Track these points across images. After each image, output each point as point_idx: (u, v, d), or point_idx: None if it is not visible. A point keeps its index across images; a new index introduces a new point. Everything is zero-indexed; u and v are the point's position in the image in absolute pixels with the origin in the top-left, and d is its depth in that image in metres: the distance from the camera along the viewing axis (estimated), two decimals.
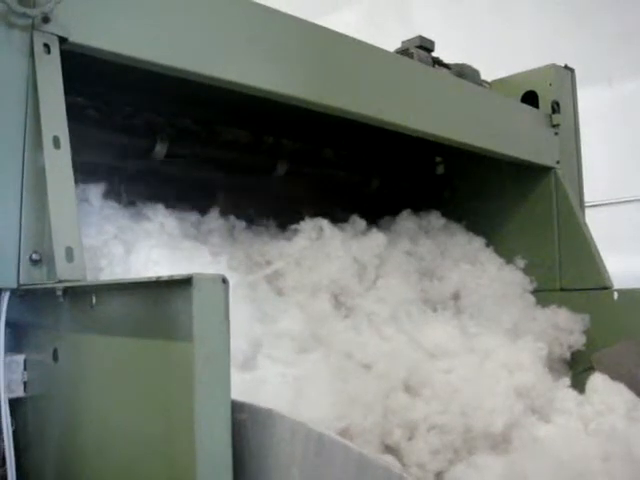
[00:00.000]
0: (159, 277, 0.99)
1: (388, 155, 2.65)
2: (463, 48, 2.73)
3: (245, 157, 2.29)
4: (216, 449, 0.92)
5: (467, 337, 1.90)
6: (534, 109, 2.50)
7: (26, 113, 1.42)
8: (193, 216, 1.96)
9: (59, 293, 1.28)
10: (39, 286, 1.35)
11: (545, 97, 2.52)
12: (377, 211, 2.48)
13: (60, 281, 1.27)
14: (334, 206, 2.40)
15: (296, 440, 0.90)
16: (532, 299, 2.37)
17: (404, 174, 2.70)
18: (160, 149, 2.03)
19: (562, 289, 2.41)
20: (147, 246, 1.48)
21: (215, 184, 2.31)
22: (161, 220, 1.78)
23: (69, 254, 1.28)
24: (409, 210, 2.49)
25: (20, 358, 1.47)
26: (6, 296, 1.42)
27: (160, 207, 1.79)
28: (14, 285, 1.39)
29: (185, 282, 0.93)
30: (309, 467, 0.89)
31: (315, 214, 2.17)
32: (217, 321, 0.93)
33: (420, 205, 2.60)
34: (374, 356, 1.74)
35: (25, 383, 1.47)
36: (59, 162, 1.36)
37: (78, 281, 1.27)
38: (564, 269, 2.42)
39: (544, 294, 2.41)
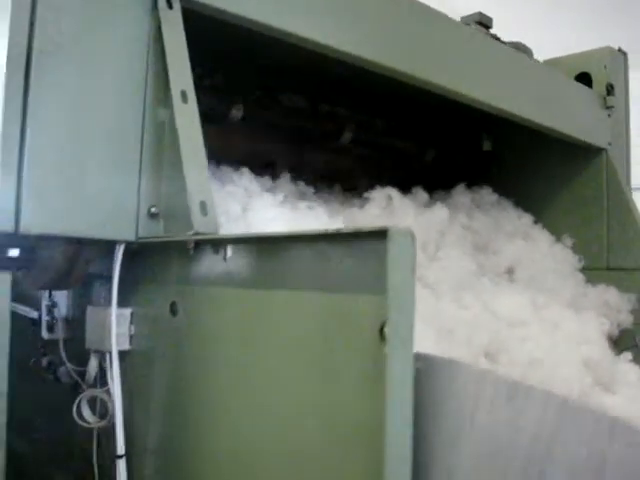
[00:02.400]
0: (338, 229, 1.01)
1: (437, 129, 2.67)
2: (509, 29, 2.72)
3: (305, 124, 2.30)
4: (402, 401, 0.95)
5: (536, 308, 1.94)
6: (589, 89, 2.54)
7: (147, 68, 1.42)
8: (267, 182, 1.96)
9: (190, 246, 1.29)
10: (165, 239, 1.35)
11: (599, 79, 2.57)
12: (429, 184, 2.50)
13: (197, 233, 1.27)
14: (388, 177, 2.41)
15: (482, 387, 0.93)
16: (581, 276, 2.43)
17: (453, 149, 2.73)
18: (236, 113, 2.04)
19: (609, 268, 2.48)
20: (263, 205, 1.49)
21: (274, 151, 2.31)
22: (246, 184, 1.79)
23: (203, 208, 1.29)
24: (463, 184, 2.53)
25: (127, 312, 1.48)
26: (121, 249, 1.42)
27: (246, 171, 1.80)
28: (132, 238, 1.39)
29: (380, 234, 0.95)
30: (498, 414, 0.92)
31: (370, 185, 2.19)
32: (408, 274, 0.95)
33: (468, 180, 2.63)
34: (455, 323, 1.77)
35: (131, 337, 1.48)
36: (188, 116, 1.36)
37: (213, 234, 1.28)
38: (612, 249, 2.48)
39: (591, 273, 2.47)
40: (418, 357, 0.98)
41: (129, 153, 1.40)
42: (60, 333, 1.66)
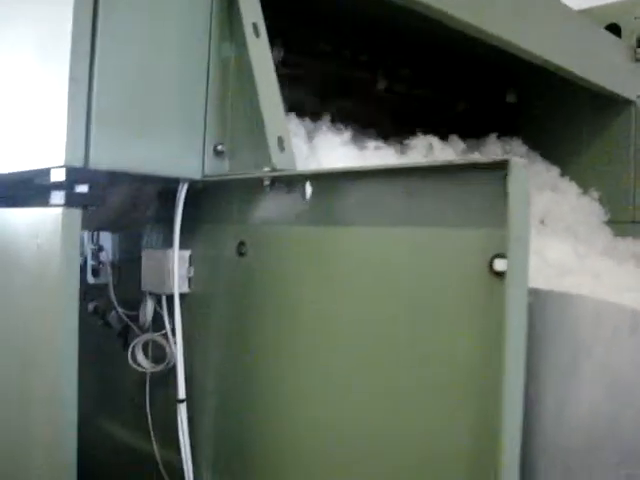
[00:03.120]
0: (450, 161, 0.98)
1: (466, 82, 2.63)
2: None
3: (340, 72, 2.24)
4: (517, 337, 0.93)
5: (579, 257, 1.94)
6: (619, 40, 2.51)
7: (212, 2, 1.35)
8: (310, 126, 1.91)
9: (266, 182, 1.25)
10: (238, 176, 1.31)
11: (629, 31, 2.53)
12: (461, 135, 2.47)
13: (274, 169, 1.23)
14: (419, 126, 2.37)
15: (601, 319, 0.92)
16: (609, 229, 2.44)
17: (480, 101, 2.69)
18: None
19: (634, 222, 2.48)
20: (330, 144, 1.45)
21: (308, 100, 2.26)
22: (293, 129, 1.74)
23: (280, 143, 1.24)
24: (494, 135, 2.50)
25: (186, 254, 1.44)
26: (184, 187, 1.38)
27: (292, 116, 1.75)
28: (198, 176, 1.35)
29: (498, 166, 0.92)
30: (619, 347, 0.91)
31: (403, 133, 2.16)
32: (525, 206, 0.92)
33: (496, 132, 2.60)
34: None
35: (190, 279, 1.44)
36: (261, 50, 1.31)
37: (291, 170, 1.24)
38: (638, 202, 2.49)
39: (616, 226, 2.47)
40: (529, 291, 0.96)
41: (195, 90, 1.34)
42: (109, 277, 1.62)
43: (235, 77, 1.35)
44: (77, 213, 1.21)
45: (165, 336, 1.49)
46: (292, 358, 1.25)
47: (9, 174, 1.36)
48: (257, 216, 1.32)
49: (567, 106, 2.65)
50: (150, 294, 1.51)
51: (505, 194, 0.93)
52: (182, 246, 1.43)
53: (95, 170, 1.21)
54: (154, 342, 1.52)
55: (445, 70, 2.57)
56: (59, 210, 1.19)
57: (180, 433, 1.43)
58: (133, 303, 1.58)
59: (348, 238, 1.16)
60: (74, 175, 1.20)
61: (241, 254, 1.34)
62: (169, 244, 1.43)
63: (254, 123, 1.28)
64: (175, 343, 1.46)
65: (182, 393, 1.43)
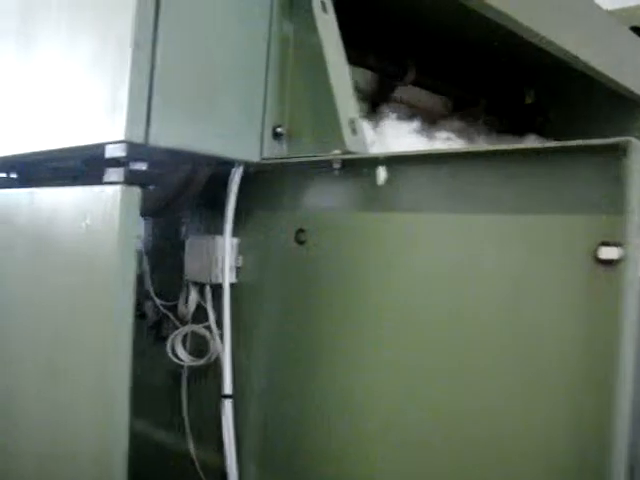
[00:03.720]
0: (563, 144, 0.93)
1: (486, 80, 2.60)
2: None
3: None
4: (630, 324, 0.88)
5: None
6: None
7: None
8: None
9: (336, 166, 1.18)
10: (303, 159, 1.24)
11: None
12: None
13: (347, 152, 1.17)
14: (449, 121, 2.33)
15: None
16: None
17: (500, 100, 2.66)
18: None
19: None
20: (398, 132, 1.38)
21: None
22: None
23: (353, 125, 1.18)
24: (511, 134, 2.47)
25: (234, 241, 1.37)
26: (239, 170, 1.31)
27: None
28: (256, 158, 1.28)
29: (612, 148, 0.88)
30: None
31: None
32: None
33: (515, 131, 2.57)
34: None
35: (238, 268, 1.37)
36: (329, 27, 1.24)
37: (366, 153, 1.18)
38: None
39: None
40: None
41: (254, 68, 1.27)
42: (145, 266, 1.53)
43: (297, 56, 1.28)
44: (137, 192, 1.13)
45: (208, 328, 1.41)
46: (359, 351, 1.19)
47: (47, 151, 1.28)
48: (320, 202, 1.26)
49: (588, 108, 2.62)
50: (194, 284, 1.43)
51: (619, 178, 0.88)
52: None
53: (154, 147, 1.13)
54: (194, 334, 1.44)
55: (466, 66, 2.54)
56: (117, 188, 1.11)
57: (225, 430, 1.35)
58: (170, 293, 1.50)
59: (428, 225, 1.10)
60: (133, 152, 1.12)
61: (300, 242, 1.28)
62: (217, 231, 1.36)
63: (321, 104, 1.22)
64: (220, 336, 1.38)
65: (228, 388, 1.35)
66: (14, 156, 1.40)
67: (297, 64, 1.29)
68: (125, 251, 1.11)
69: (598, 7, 2.26)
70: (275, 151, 1.29)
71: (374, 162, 1.15)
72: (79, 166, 1.38)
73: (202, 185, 1.32)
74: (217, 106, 1.22)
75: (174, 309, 1.48)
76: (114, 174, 1.13)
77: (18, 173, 1.54)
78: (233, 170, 1.31)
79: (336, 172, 1.19)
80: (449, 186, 1.07)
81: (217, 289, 1.39)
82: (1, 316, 1.36)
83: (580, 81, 2.34)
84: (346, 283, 1.20)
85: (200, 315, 1.44)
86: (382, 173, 1.15)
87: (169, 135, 1.15)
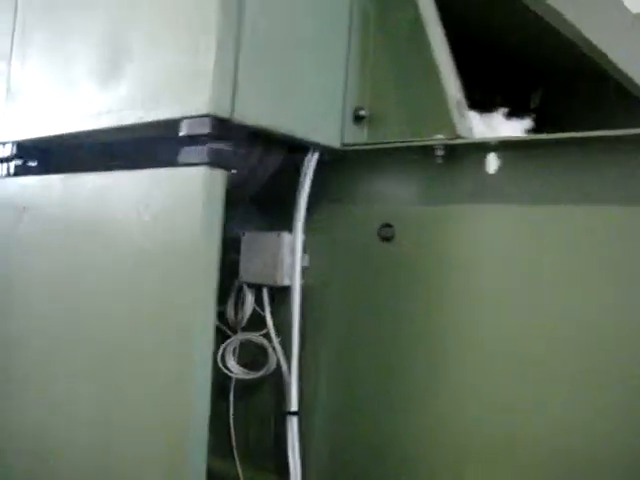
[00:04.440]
0: None
1: (499, 82, 2.53)
2: None
3: None
4: None
5: None
6: None
7: None
8: None
9: (440, 153, 1.05)
10: (398, 144, 1.10)
11: None
12: None
13: (459, 136, 1.03)
14: None
15: None
16: None
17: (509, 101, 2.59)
18: None
19: None
20: (513, 129, 1.25)
21: None
22: None
23: (460, 108, 1.05)
24: None
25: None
26: (314, 157, 1.16)
27: None
28: (337, 144, 1.14)
29: None
30: None
31: None
32: None
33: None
34: None
35: (304, 268, 1.22)
36: (428, 2, 1.11)
37: (473, 139, 1.05)
38: None
39: None
40: None
41: (335, 47, 1.14)
42: None
43: (383, 32, 1.15)
44: (223, 175, 0.97)
45: (267, 336, 1.25)
46: (461, 359, 1.05)
47: (101, 130, 1.10)
48: (414, 193, 1.12)
49: (599, 114, 2.58)
50: (249, 286, 1.26)
51: None
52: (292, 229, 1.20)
53: (238, 125, 0.98)
54: (247, 344, 1.28)
55: (476, 66, 2.46)
56: (200, 171, 0.95)
57: (290, 451, 1.19)
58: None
59: (555, 217, 0.98)
60: (216, 129, 0.96)
61: (385, 238, 1.14)
62: (280, 226, 1.20)
63: (419, 84, 1.09)
64: (281, 344, 1.23)
65: (294, 404, 1.20)
66: (49, 137, 1.22)
67: (382, 41, 1.15)
68: (208, 241, 0.95)
69: (629, 11, 2.22)
70: (356, 136, 1.15)
71: (484, 148, 1.03)
72: (118, 148, 1.21)
73: (270, 173, 1.17)
74: (299, 83, 1.08)
75: (221, 315, 1.31)
76: (194, 154, 0.96)
77: (38, 159, 1.35)
78: (307, 157, 1.16)
79: (439, 159, 1.05)
80: (581, 173, 0.96)
81: (278, 292, 1.23)
82: (58, 314, 1.17)
83: (591, 84, 2.29)
84: (446, 285, 1.07)
85: (251, 322, 1.28)
86: (493, 160, 1.03)
87: (253, 111, 1.00)
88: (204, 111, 0.94)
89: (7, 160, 1.35)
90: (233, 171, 1.00)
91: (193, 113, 0.96)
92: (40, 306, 1.21)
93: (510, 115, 1.13)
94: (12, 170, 1.33)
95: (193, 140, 0.97)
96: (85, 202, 1.12)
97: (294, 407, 1.20)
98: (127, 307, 1.04)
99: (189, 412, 0.95)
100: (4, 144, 1.35)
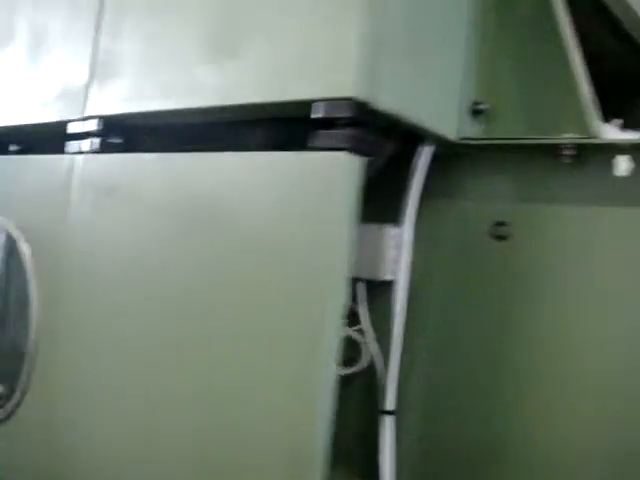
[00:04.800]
0: None
1: None
2: None
3: None
4: None
5: None
6: None
7: None
8: None
9: (568, 152, 1.02)
10: (522, 141, 1.07)
11: None
12: None
13: (592, 136, 1.01)
14: None
15: None
16: None
17: None
18: None
19: None
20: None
21: None
22: None
23: (594, 108, 1.02)
24: None
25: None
26: (430, 149, 1.13)
27: None
28: (454, 136, 1.10)
29: None
30: None
31: None
32: None
33: None
34: None
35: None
36: None
37: (605, 139, 1.02)
38: None
39: None
40: None
41: (457, 34, 1.10)
42: None
43: (508, 22, 1.12)
44: (362, 162, 0.93)
45: (361, 332, 1.21)
46: (572, 366, 1.03)
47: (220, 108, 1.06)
48: (532, 192, 1.09)
49: None
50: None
51: None
52: (397, 223, 1.17)
53: (373, 110, 0.94)
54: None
55: None
56: (340, 156, 0.91)
57: (386, 452, 1.16)
58: None
59: None
60: (357, 112, 0.92)
61: (499, 237, 1.10)
62: (383, 219, 1.17)
63: (548, 80, 1.06)
64: (378, 340, 1.19)
65: (391, 403, 1.16)
66: (144, 113, 1.17)
67: (505, 32, 1.12)
68: (345, 233, 0.91)
69: None
70: (472, 130, 1.12)
71: (614, 150, 1.00)
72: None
73: (381, 163, 1.13)
74: (426, 72, 1.05)
75: None
76: (332, 138, 0.92)
77: (125, 137, 1.30)
78: (423, 148, 1.12)
79: (566, 159, 1.02)
80: None
81: (375, 287, 1.20)
82: (154, 307, 1.12)
83: None
84: (561, 288, 1.04)
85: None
86: (623, 163, 1.00)
87: (389, 97, 0.96)
88: (348, 94, 0.90)
89: (91, 136, 1.29)
90: (369, 158, 0.96)
91: (333, 95, 0.92)
92: (131, 299, 1.15)
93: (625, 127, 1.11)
94: (96, 147, 1.28)
95: (324, 124, 0.93)
96: (196, 185, 1.06)
97: (390, 406, 1.16)
98: (242, 299, 0.99)
99: (312, 416, 0.91)
100: (89, 119, 1.29)
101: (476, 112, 1.12)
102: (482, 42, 1.13)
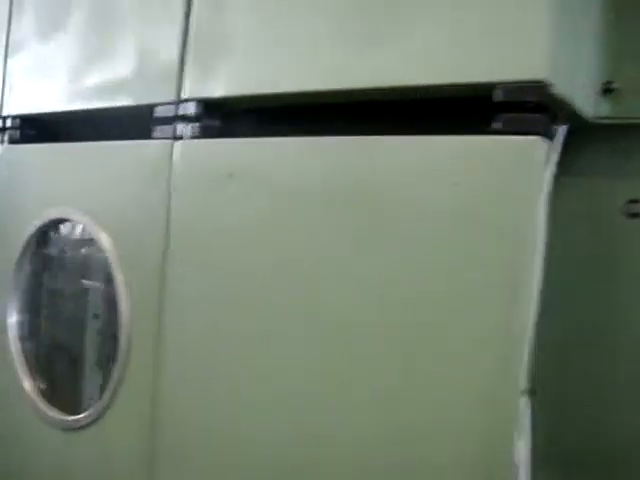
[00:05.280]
0: None
1: None
2: None
3: None
4: None
5: None
6: None
7: None
8: None
9: None
10: None
11: None
12: None
13: None
14: None
15: None
16: None
17: None
18: None
19: None
20: None
21: None
22: None
23: None
24: None
25: None
26: (565, 128, 1.12)
27: None
28: (590, 115, 1.10)
29: None
30: None
31: None
32: None
33: None
34: None
35: None
36: None
37: None
38: None
39: None
40: None
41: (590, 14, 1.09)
42: None
43: None
44: (546, 147, 0.91)
45: None
46: None
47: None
48: None
49: None
50: None
51: None
52: None
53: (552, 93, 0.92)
54: None
55: None
56: (531, 141, 0.89)
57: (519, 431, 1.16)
58: None
59: None
60: (542, 96, 0.90)
61: (633, 215, 1.12)
62: None
63: None
64: None
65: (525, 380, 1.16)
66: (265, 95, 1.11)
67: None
68: (540, 220, 0.90)
69: None
70: (605, 109, 1.12)
71: None
72: None
73: None
74: (577, 50, 1.03)
75: None
76: (523, 122, 0.90)
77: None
78: (557, 127, 1.11)
79: None
80: None
81: None
82: (301, 303, 1.06)
83: None
84: None
85: None
86: None
87: (562, 78, 0.94)
88: (538, 76, 0.88)
89: (185, 120, 1.21)
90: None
91: (520, 78, 0.89)
92: (272, 296, 1.09)
93: None
94: (197, 131, 1.20)
95: (503, 106, 0.91)
96: (352, 171, 1.01)
97: (524, 385, 1.16)
98: (424, 294, 0.95)
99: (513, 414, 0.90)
100: (184, 102, 1.21)
101: (607, 91, 1.12)
102: (617, 19, 1.12)
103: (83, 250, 1.40)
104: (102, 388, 1.32)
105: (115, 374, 1.27)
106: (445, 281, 0.93)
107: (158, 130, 1.24)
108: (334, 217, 1.02)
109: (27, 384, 1.47)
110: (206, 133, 1.20)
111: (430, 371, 0.94)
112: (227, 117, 1.23)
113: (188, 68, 1.20)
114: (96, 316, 1.42)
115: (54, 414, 1.42)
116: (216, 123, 1.21)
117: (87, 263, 1.41)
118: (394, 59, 0.98)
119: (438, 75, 0.94)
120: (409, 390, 0.95)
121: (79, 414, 1.38)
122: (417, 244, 0.95)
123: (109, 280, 1.29)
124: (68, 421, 1.39)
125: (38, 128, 1.58)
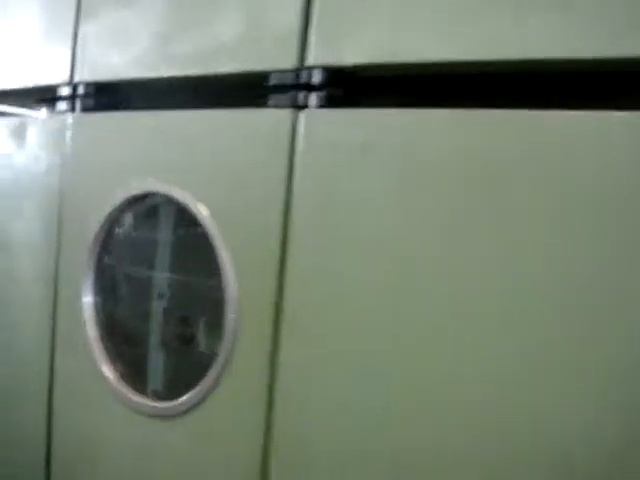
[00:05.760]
0: None
1: None
2: None
3: None
4: None
5: None
6: None
7: None
8: None
9: None
10: None
11: None
12: None
13: None
14: None
15: None
16: None
17: None
18: None
19: None
20: None
21: None
22: None
23: None
24: None
25: None
26: None
27: None
28: None
29: None
30: None
31: None
32: None
33: None
34: None
35: None
36: None
37: None
38: None
39: None
40: None
41: None
42: None
43: None
44: None
45: None
46: None
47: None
48: None
49: None
50: None
51: None
52: None
53: None
54: None
55: None
56: None
57: None
58: None
59: None
60: None
61: None
62: None
63: None
64: None
65: None
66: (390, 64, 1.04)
67: None
68: None
69: None
70: None
71: None
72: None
73: None
74: None
75: None
76: None
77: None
78: None
79: None
80: None
81: None
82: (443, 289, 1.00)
83: None
84: None
85: None
86: None
87: None
88: None
89: (304, 89, 1.14)
90: None
91: None
92: (410, 279, 1.03)
93: None
94: (322, 101, 1.13)
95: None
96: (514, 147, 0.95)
97: None
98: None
99: None
100: (307, 69, 1.14)
101: None
102: None
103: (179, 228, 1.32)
104: (190, 372, 1.25)
105: (222, 354, 1.20)
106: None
107: (273, 99, 1.17)
108: (493, 199, 0.96)
109: (105, 368, 1.38)
110: (331, 103, 1.13)
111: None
112: (349, 87, 1.16)
113: (312, 33, 1.13)
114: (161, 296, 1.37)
115: (139, 400, 1.34)
116: (340, 92, 1.15)
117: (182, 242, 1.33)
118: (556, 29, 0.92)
119: (613, 48, 0.89)
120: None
121: (166, 400, 1.30)
122: (591, 236, 0.90)
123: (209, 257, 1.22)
124: (158, 408, 1.31)
125: (109, 97, 1.48)
